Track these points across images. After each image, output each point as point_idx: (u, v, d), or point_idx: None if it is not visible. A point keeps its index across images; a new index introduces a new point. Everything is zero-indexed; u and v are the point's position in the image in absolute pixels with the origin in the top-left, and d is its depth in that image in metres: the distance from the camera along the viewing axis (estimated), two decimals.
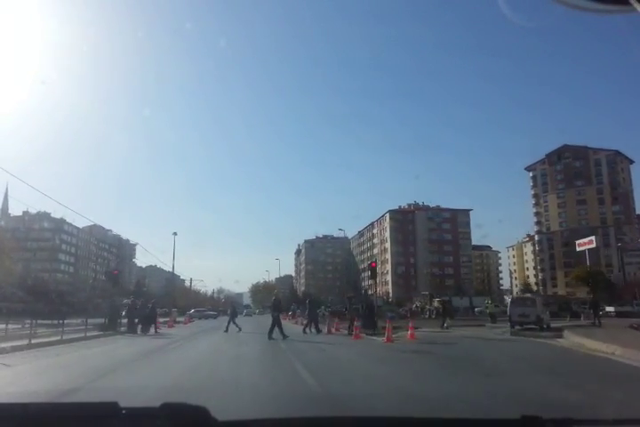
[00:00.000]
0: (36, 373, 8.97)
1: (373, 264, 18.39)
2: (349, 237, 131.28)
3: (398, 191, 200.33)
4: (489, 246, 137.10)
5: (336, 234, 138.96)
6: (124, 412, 1.57)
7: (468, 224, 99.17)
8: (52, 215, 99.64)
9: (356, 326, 16.82)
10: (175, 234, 42.66)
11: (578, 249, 69.42)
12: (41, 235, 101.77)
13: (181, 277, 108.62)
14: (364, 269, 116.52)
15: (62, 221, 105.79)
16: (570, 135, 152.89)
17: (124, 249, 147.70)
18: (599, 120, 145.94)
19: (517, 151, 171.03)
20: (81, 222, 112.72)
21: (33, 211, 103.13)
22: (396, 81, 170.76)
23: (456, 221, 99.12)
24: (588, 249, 63.31)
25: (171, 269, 46.29)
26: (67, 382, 7.12)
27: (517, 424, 1.66)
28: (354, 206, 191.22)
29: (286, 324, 35.91)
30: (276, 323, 16.09)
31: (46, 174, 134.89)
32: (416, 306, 44.30)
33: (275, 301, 17.47)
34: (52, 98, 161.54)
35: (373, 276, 19.42)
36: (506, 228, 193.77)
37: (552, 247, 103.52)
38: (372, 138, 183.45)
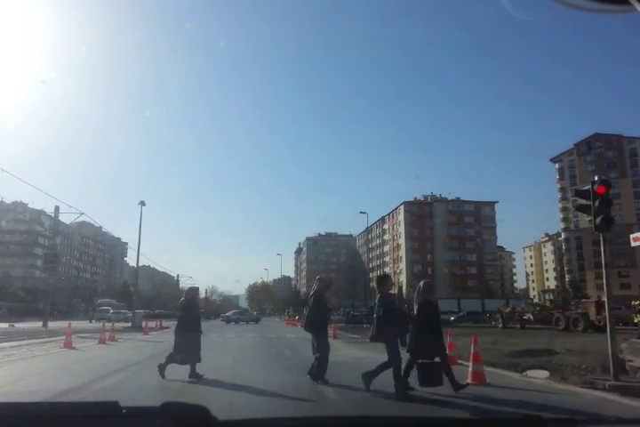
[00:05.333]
0: None
1: (601, 190, 7.78)
2: (354, 235, 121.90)
3: (406, 189, 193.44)
4: (502, 247, 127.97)
5: (340, 232, 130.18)
6: (124, 411, 1.56)
7: (492, 218, 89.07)
8: (30, 206, 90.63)
9: None
10: (143, 204, 33.25)
11: (633, 244, 59.93)
12: (15, 227, 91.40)
13: (175, 278, 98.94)
14: (371, 269, 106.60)
15: (41, 212, 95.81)
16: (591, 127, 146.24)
17: (115, 248, 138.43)
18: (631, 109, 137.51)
19: (519, 152, 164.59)
20: (72, 220, 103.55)
21: (8, 201, 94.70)
22: (393, 81, 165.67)
23: (480, 214, 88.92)
24: None
25: (166, 270, 36.68)
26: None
27: (519, 424, 1.70)
28: (353, 207, 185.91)
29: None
30: None
31: (44, 173, 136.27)
32: (521, 309, 33.01)
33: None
34: (51, 97, 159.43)
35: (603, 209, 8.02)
36: (519, 228, 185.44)
37: (580, 246, 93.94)
38: (370, 138, 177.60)
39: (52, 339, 16.97)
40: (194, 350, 8.05)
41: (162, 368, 7.84)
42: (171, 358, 8.06)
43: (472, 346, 7.46)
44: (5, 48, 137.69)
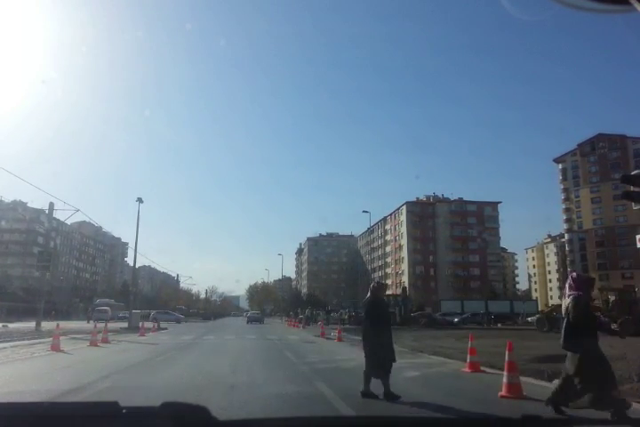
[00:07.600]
0: None
1: None
2: (355, 235, 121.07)
3: (404, 190, 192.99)
4: (504, 248, 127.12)
5: (341, 232, 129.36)
6: (124, 411, 1.57)
7: (495, 219, 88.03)
8: (30, 205, 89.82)
9: None
10: (140, 201, 32.62)
11: (639, 245, 59.05)
12: (14, 226, 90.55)
13: (175, 278, 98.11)
14: (373, 270, 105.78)
15: (40, 211, 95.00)
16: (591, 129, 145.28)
17: (115, 248, 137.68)
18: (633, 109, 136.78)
19: (520, 153, 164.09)
20: (72, 219, 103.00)
21: (7, 200, 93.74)
22: (393, 81, 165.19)
23: (482, 215, 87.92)
24: None
25: (166, 271, 35.72)
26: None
27: (518, 424, 1.69)
28: (354, 207, 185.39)
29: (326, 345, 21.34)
30: None
31: (44, 173, 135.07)
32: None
33: None
34: (51, 97, 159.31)
35: None
36: (520, 229, 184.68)
37: (584, 248, 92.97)
38: (369, 138, 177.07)
39: (42, 340, 16.16)
40: (385, 361, 6.20)
41: (366, 389, 6.05)
42: (370, 373, 6.17)
43: (507, 353, 6.52)
44: (5, 48, 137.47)
